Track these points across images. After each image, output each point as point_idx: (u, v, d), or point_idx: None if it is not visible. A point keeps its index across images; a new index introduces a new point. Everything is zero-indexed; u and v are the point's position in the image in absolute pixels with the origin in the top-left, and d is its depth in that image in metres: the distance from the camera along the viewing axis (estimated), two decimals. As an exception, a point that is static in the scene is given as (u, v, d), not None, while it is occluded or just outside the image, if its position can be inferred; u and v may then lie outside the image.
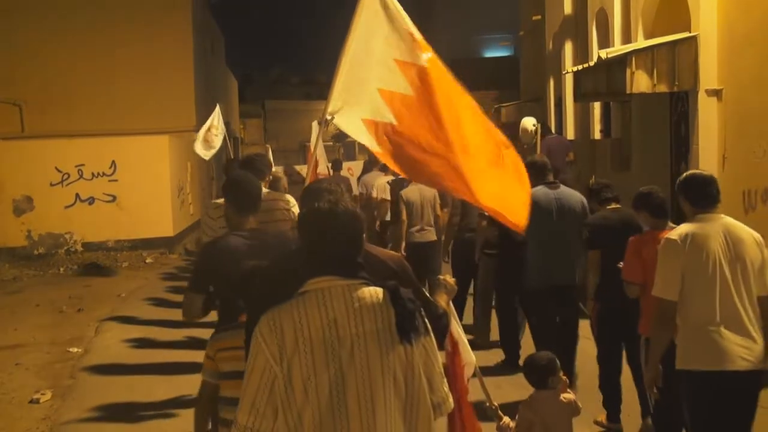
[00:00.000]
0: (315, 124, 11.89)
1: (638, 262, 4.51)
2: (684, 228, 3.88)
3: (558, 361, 3.90)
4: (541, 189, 5.96)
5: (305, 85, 55.09)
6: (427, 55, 4.08)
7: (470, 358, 3.64)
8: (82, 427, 5.99)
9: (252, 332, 2.32)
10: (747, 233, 3.85)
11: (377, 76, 4.03)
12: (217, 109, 12.93)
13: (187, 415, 5.99)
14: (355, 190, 12.46)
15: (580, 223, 5.82)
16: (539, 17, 17.85)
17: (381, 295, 2.29)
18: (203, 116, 19.58)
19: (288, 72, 59.16)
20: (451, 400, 2.42)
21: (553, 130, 13.97)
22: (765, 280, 3.77)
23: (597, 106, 13.73)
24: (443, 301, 3.16)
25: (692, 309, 3.78)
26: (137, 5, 17.71)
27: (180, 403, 6.36)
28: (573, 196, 6.09)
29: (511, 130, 21.22)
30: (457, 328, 3.58)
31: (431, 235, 8.53)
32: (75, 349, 8.23)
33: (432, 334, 2.38)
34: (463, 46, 32.48)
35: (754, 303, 3.76)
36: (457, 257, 8.04)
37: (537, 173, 5.90)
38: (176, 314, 9.66)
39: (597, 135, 13.81)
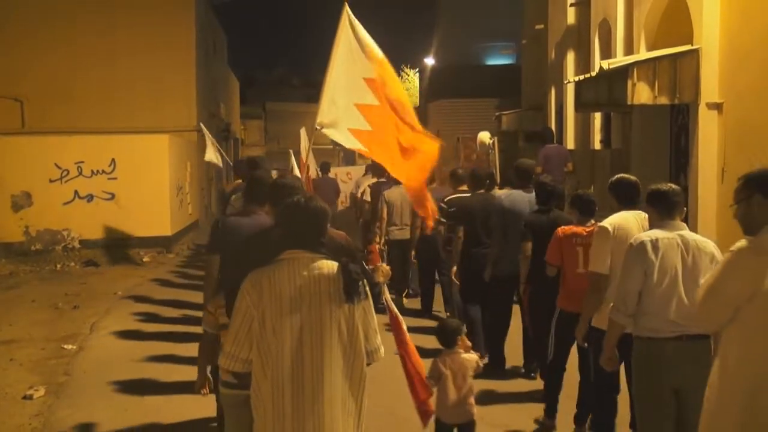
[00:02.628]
0: (303, 132, 12.65)
1: (558, 249, 5.59)
2: (613, 219, 4.85)
3: (464, 327, 4.80)
4: (518, 192, 7.03)
5: (306, 87, 55.12)
6: (379, 70, 5.16)
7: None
8: (75, 424, 5.97)
9: (228, 290, 3.49)
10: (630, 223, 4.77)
11: (354, 93, 5.09)
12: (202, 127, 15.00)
13: (180, 413, 6.03)
14: (345, 191, 13.94)
15: None
16: (542, 26, 17.88)
17: (335, 267, 3.07)
18: (204, 116, 19.64)
19: (289, 74, 59.23)
20: (382, 350, 3.22)
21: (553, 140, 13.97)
22: None
23: (598, 117, 13.75)
24: (380, 280, 4.35)
25: (612, 282, 4.65)
26: (140, 3, 17.74)
27: (173, 401, 6.36)
28: (523, 198, 6.99)
29: (513, 137, 21.25)
30: (390, 303, 4.66)
31: (408, 233, 9.36)
32: (70, 346, 8.22)
33: (371, 300, 3.17)
34: (465, 53, 32.53)
35: None
36: (421, 252, 9.21)
37: (520, 178, 7.11)
38: (171, 313, 9.71)
39: (597, 145, 13.82)
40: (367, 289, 3.14)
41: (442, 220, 7.92)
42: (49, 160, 14.84)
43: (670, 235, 4.03)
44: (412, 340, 4.75)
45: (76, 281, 12.42)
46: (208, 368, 4.37)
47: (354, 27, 5.18)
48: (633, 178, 5.00)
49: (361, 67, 5.15)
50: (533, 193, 6.77)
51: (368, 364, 3.15)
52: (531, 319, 6.53)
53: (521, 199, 6.93)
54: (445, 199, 8.01)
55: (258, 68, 58.17)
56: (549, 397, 5.79)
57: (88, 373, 7.29)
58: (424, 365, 4.65)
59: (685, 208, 4.27)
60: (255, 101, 46.59)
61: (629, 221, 4.76)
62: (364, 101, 5.10)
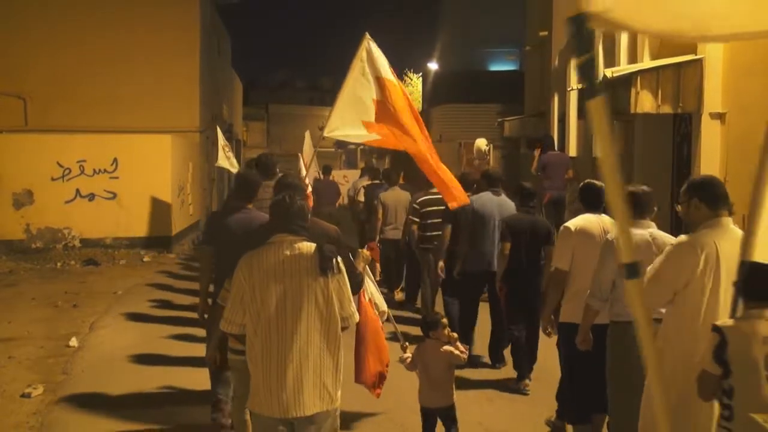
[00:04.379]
0: (308, 135, 13.08)
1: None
2: (576, 221, 5.33)
3: (445, 321, 5.14)
4: (486, 194, 7.50)
5: (309, 89, 55.22)
6: (390, 92, 5.88)
7: (383, 307, 5.50)
8: (73, 422, 5.97)
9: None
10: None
11: (363, 111, 5.81)
12: (218, 130, 14.91)
13: (179, 413, 6.03)
14: (342, 193, 14.85)
15: None
16: (545, 33, 17.89)
17: (312, 248, 3.72)
18: (207, 117, 19.65)
19: (293, 76, 59.29)
20: (356, 317, 3.86)
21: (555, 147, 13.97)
22: None
23: (600, 124, 13.72)
24: (360, 265, 4.92)
25: (575, 279, 5.21)
26: (146, 3, 17.76)
27: (172, 401, 6.36)
28: (510, 205, 7.46)
29: (515, 144, 21.23)
30: (369, 285, 5.37)
31: (400, 234, 10.00)
32: (69, 345, 8.21)
33: (344, 273, 3.79)
34: (468, 59, 32.55)
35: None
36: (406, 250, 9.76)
37: (489, 182, 7.62)
38: (170, 313, 9.71)
39: (599, 153, 13.81)
40: (341, 265, 3.76)
41: (415, 219, 8.75)
42: (51, 159, 14.85)
43: (643, 232, 4.46)
44: (399, 329, 5.72)
45: (76, 280, 12.42)
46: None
47: (371, 54, 5.86)
48: (600, 184, 5.40)
49: (372, 90, 5.85)
50: (502, 196, 7.50)
51: (344, 328, 3.77)
52: (507, 315, 6.99)
53: (490, 201, 7.43)
54: (418, 200, 8.77)
55: (261, 70, 58.21)
56: (561, 400, 5.83)
57: (87, 372, 7.29)
58: (387, 347, 5.46)
59: (656, 209, 4.72)
60: (258, 103, 46.60)
61: (591, 222, 5.24)
62: (368, 119, 5.81)
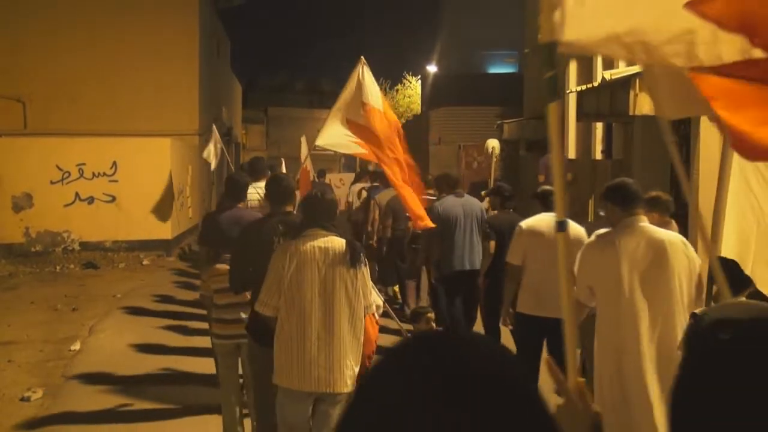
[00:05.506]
0: (303, 139, 13.26)
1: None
2: (529, 220, 5.84)
3: (430, 316, 5.51)
4: (450, 198, 7.76)
5: (309, 92, 55.22)
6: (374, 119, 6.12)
7: (378, 302, 5.84)
8: (72, 426, 5.98)
9: (233, 268, 4.81)
10: (572, 228, 5.29)
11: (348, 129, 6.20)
12: (213, 127, 14.79)
13: (179, 416, 6.03)
14: (339, 196, 14.43)
15: (480, 222, 7.65)
16: (545, 36, 17.90)
17: (343, 243, 4.17)
18: (206, 120, 19.65)
19: (292, 79, 59.31)
20: (374, 307, 4.37)
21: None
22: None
23: (599, 127, 13.75)
24: None
25: (528, 273, 5.71)
26: (145, 7, 17.77)
27: (171, 404, 6.36)
28: (474, 203, 7.92)
29: (514, 146, 21.24)
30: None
31: (400, 233, 9.99)
32: (68, 348, 8.21)
33: (368, 267, 4.29)
34: (467, 61, 32.59)
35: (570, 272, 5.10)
36: (391, 249, 10.14)
37: (449, 185, 7.90)
38: (170, 316, 9.70)
39: (598, 155, 13.82)
40: (366, 260, 4.23)
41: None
42: (50, 162, 14.84)
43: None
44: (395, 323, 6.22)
45: (75, 283, 12.41)
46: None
47: (362, 79, 6.13)
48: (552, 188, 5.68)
49: (356, 110, 6.20)
50: (465, 197, 7.80)
51: (364, 315, 4.20)
52: (485, 309, 7.29)
53: (453, 204, 7.64)
54: None
55: (260, 72, 58.25)
56: None
57: (87, 376, 7.29)
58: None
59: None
60: (257, 105, 46.54)
61: (543, 222, 5.64)
62: (356, 137, 6.17)
